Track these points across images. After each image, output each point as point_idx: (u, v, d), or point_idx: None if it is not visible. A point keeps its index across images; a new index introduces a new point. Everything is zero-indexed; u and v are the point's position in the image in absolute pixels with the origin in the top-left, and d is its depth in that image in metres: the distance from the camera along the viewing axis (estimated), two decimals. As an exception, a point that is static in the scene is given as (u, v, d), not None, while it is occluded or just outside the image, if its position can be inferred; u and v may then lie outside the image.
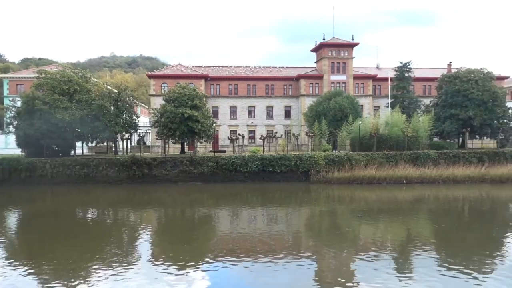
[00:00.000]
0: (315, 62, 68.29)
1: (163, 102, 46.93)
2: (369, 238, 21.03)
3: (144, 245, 19.74)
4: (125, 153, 48.23)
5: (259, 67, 70.31)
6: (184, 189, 38.96)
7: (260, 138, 53.27)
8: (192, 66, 67.38)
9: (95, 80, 52.57)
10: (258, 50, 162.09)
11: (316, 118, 49.39)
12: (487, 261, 16.49)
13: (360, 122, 44.20)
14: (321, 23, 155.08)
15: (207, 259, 16.78)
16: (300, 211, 29.50)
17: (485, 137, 50.53)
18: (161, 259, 16.73)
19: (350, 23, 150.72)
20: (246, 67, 70.04)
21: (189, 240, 20.38)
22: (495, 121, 47.04)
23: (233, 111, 64.51)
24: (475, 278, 14.38)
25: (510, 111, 48.78)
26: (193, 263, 16.29)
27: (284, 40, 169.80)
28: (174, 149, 51.66)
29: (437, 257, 17.36)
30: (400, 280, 14.28)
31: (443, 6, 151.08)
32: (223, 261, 16.34)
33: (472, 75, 47.57)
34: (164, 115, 44.40)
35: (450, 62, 70.29)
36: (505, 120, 47.91)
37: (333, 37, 65.61)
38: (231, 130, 63.22)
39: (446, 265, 15.88)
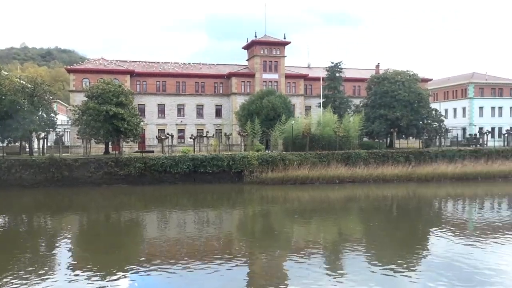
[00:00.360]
0: (247, 60, 68.67)
1: (85, 99, 44.84)
2: (302, 238, 21.55)
3: (63, 254, 18.67)
4: (41, 154, 45.43)
5: (189, 63, 69.42)
6: (109, 192, 37.51)
7: (190, 138, 52.58)
8: (116, 61, 65.02)
9: (6, 73, 48.94)
10: (185, 46, 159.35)
11: (248, 117, 49.71)
12: (414, 258, 17.54)
13: (293, 122, 45.05)
14: (252, 20, 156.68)
15: (133, 267, 16.22)
16: (233, 213, 29.58)
17: (411, 137, 53.64)
18: (83, 269, 15.89)
19: (281, 22, 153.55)
20: (175, 63, 68.86)
21: (114, 247, 19.60)
22: (421, 122, 50.10)
23: (161, 109, 63.12)
24: (404, 274, 15.17)
25: (433, 112, 52.20)
26: (118, 271, 15.67)
27: (212, 36, 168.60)
28: (97, 149, 49.49)
29: (368, 255, 18.15)
30: (333, 279, 14.73)
31: (367, 8, 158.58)
32: (152, 268, 15.90)
33: (399, 77, 50.29)
34: (87, 112, 42.43)
35: (378, 64, 73.76)
36: (429, 121, 51.16)
37: (265, 35, 66.34)
38: (159, 129, 61.80)
39: (377, 262, 16.63)
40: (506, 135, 57.05)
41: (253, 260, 17.55)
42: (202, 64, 69.69)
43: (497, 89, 77.63)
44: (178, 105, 63.51)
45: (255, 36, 65.03)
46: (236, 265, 16.29)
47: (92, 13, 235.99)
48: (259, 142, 47.36)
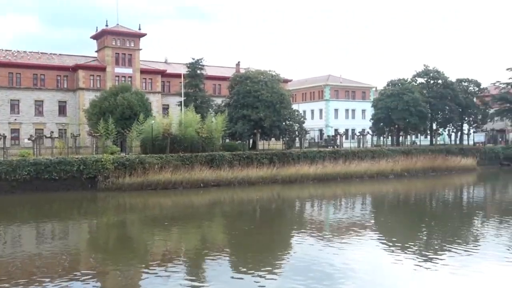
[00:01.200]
0: (96, 51, 65.61)
1: None
2: (162, 248, 21.42)
3: None
4: None
5: (25, 51, 63.67)
6: None
7: (28, 139, 48.35)
8: None
9: None
10: (7, 30, 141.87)
11: (100, 115, 47.42)
12: (277, 261, 18.68)
13: (153, 122, 44.25)
14: (101, 6, 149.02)
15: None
16: (83, 225, 28.07)
17: (273, 138, 56.63)
18: None
19: (135, 11, 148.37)
20: (6, 50, 62.60)
21: None
22: (284, 123, 53.15)
23: (-11, 105, 56.97)
24: (267, 278, 15.94)
25: (295, 113, 55.81)
26: None
27: (45, 21, 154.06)
28: None
29: (232, 262, 18.82)
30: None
31: (220, 4, 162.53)
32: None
33: (262, 77, 52.66)
34: None
35: (239, 62, 76.28)
36: (291, 122, 54.57)
37: (117, 24, 64.18)
38: (-14, 129, 55.64)
39: (240, 269, 17.30)
40: (359, 136, 63.70)
41: (105, 277, 16.74)
42: (42, 53, 64.52)
43: (350, 92, 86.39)
44: (11, 100, 58.01)
45: (106, 25, 62.51)
46: (85, 285, 15.32)
47: None
48: (114, 144, 45.58)
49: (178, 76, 61.71)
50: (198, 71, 58.61)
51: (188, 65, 58.71)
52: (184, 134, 44.81)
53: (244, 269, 17.01)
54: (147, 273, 16.70)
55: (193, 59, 58.62)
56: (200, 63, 58.66)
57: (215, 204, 35.73)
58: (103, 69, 61.63)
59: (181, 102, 55.22)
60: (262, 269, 17.03)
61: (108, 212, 32.06)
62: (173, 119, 48.54)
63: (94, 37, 65.15)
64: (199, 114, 47.94)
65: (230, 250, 21.11)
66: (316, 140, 71.95)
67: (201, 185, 40.47)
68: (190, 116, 46.32)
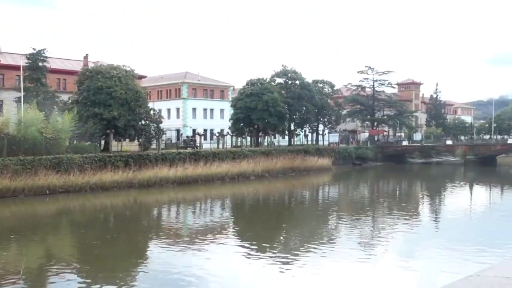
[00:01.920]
0: None
1: None
2: None
3: None
4: None
5: None
6: None
7: None
8: None
9: None
10: None
11: None
12: (131, 273, 18.70)
13: (-13, 120, 40.60)
14: None
15: None
16: None
17: (127, 139, 55.28)
18: None
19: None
20: None
21: None
22: (140, 123, 52.20)
23: None
24: None
25: (152, 112, 55.19)
26: None
27: None
28: None
29: (81, 278, 18.20)
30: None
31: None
32: None
33: (115, 72, 51.11)
34: None
35: (87, 55, 72.84)
36: (147, 122, 53.80)
37: None
38: None
39: (91, 285, 16.95)
40: (218, 136, 65.23)
41: None
42: None
43: (209, 91, 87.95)
44: None
45: None
46: None
47: None
48: None
49: (15, 68, 57.12)
50: (40, 63, 54.88)
51: (28, 56, 54.66)
52: (24, 135, 41.74)
53: (96, 285, 16.68)
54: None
55: (34, 49, 54.65)
56: (43, 54, 55.00)
57: (64, 213, 34.31)
58: None
59: (19, 98, 51.29)
60: (116, 282, 16.88)
61: None
62: (10, 118, 44.86)
63: None
64: (43, 112, 45.09)
65: (79, 264, 20.34)
66: (174, 141, 71.97)
67: (47, 192, 37.93)
68: (31, 114, 43.21)
